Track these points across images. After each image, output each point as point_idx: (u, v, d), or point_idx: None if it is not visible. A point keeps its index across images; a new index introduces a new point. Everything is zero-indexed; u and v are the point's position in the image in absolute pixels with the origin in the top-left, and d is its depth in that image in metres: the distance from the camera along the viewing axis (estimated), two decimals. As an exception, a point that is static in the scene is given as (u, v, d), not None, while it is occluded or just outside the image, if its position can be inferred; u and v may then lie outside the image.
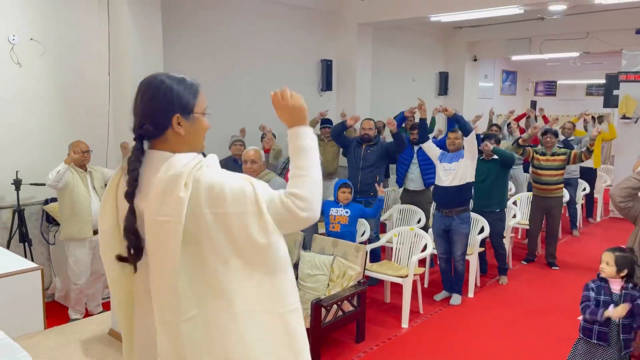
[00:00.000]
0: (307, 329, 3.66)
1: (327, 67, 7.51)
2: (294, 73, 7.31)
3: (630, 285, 2.87)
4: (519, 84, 14.05)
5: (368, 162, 5.58)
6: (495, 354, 4.03)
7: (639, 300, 2.81)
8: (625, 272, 2.86)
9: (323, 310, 3.72)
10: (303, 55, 7.49)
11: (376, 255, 5.30)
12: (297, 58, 7.41)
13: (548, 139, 5.92)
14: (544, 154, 5.92)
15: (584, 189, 7.90)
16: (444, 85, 10.31)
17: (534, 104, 14.35)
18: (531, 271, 6.02)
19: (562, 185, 6.03)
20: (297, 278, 4.25)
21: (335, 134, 5.89)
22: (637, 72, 7.98)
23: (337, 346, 4.06)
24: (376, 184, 5.08)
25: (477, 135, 5.15)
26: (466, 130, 4.86)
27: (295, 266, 4.31)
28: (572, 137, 7.28)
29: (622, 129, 8.22)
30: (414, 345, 4.19)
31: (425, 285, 5.44)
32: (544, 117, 8.06)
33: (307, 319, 3.67)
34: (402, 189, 6.23)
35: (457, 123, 4.97)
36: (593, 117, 8.71)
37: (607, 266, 2.88)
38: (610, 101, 8.57)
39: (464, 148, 4.93)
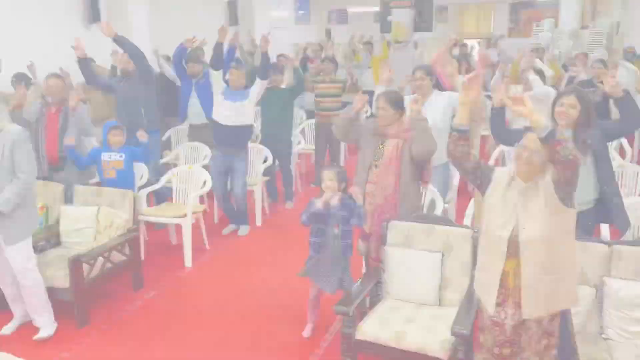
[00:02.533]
0: (67, 288, 3.40)
1: (91, -6, 6.60)
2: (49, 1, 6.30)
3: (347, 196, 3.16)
4: (312, 13, 14.29)
5: (127, 97, 5.00)
6: (277, 280, 4.13)
7: (352, 206, 3.09)
8: (343, 185, 3.19)
9: (85, 265, 3.45)
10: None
11: (163, 198, 5.10)
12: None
13: None
14: (324, 82, 6.20)
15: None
16: (234, 14, 10.02)
17: (328, 32, 14.87)
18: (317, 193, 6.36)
19: None
20: (58, 235, 3.89)
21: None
22: (406, -3, 8.68)
23: (112, 298, 3.85)
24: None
25: None
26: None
27: (58, 223, 3.92)
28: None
29: (394, 53, 8.91)
30: (197, 282, 4.18)
31: (216, 221, 5.43)
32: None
33: (66, 277, 3.37)
34: (188, 125, 6.00)
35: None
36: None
37: (331, 182, 3.15)
38: (385, 27, 9.23)
39: (246, 87, 4.89)
